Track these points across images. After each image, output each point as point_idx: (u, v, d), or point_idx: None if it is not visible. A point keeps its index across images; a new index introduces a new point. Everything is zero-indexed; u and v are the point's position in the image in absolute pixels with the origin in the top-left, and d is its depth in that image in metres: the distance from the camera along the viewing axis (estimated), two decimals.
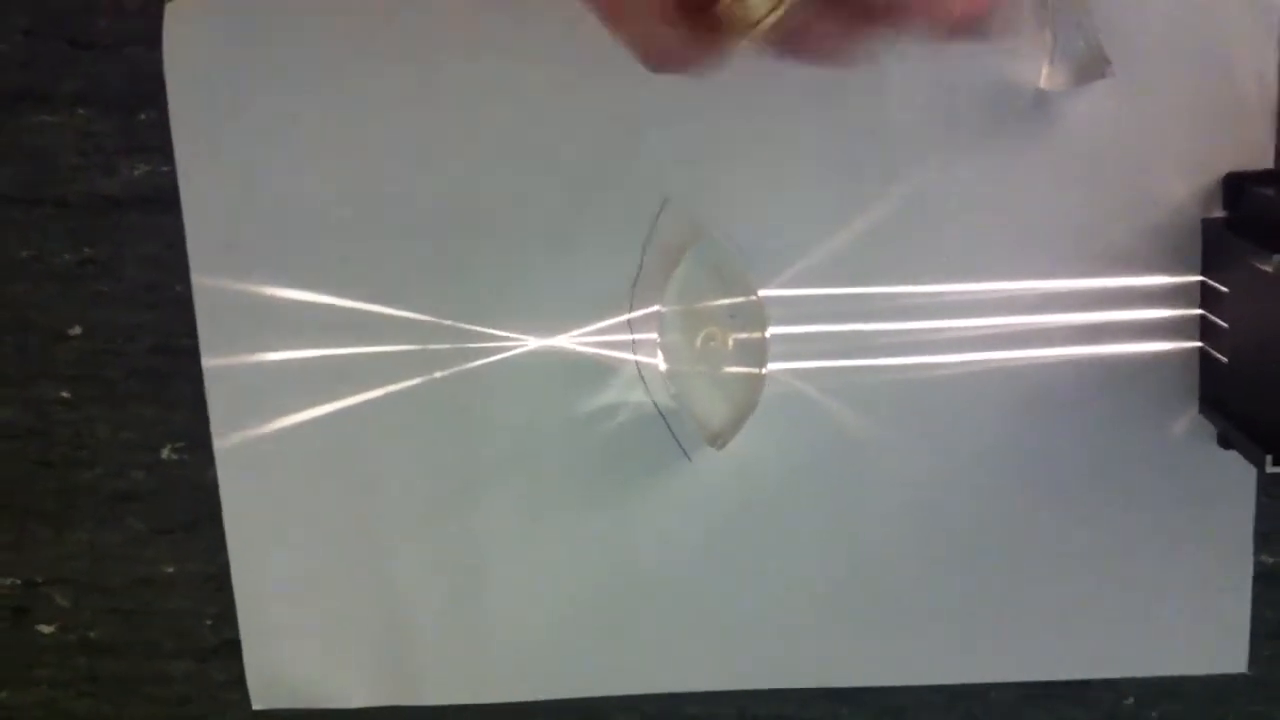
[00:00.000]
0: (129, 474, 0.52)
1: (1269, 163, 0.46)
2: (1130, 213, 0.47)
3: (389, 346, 0.49)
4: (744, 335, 0.48)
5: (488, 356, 0.49)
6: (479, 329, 0.49)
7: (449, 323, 0.49)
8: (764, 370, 0.48)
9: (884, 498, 0.50)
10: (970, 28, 0.34)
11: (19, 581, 0.53)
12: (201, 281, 0.49)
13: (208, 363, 0.50)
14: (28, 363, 0.51)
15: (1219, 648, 0.51)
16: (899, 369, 0.49)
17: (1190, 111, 0.46)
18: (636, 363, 0.49)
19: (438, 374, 0.50)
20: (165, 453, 0.51)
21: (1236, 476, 0.49)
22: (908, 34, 0.32)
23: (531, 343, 0.49)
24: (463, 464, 0.50)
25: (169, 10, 0.47)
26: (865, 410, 0.49)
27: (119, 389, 0.51)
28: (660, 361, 0.49)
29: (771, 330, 0.48)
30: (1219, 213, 0.46)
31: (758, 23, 0.30)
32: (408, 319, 0.49)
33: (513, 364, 0.49)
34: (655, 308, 0.48)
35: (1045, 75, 0.46)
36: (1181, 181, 0.46)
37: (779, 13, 0.29)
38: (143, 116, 0.48)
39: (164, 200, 0.49)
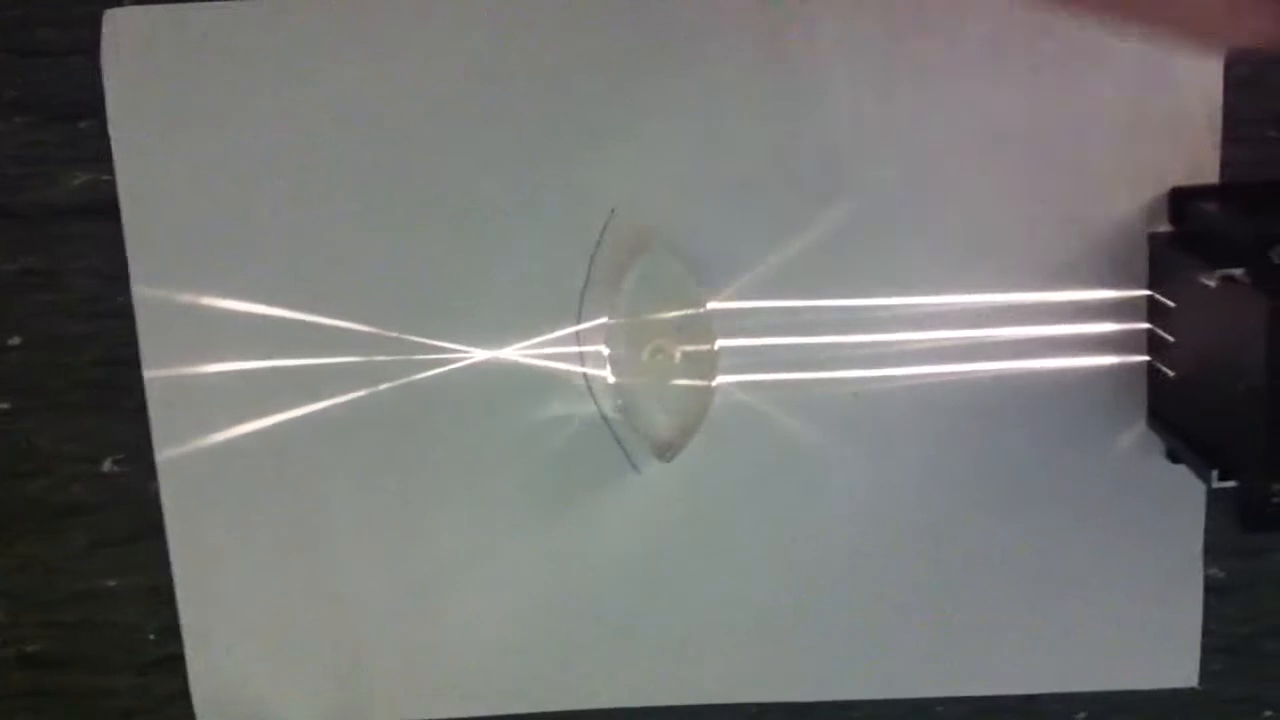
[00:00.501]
0: (71, 486, 0.51)
1: (1214, 178, 0.46)
2: (1078, 227, 0.47)
3: (333, 358, 0.49)
4: (692, 347, 0.48)
5: (434, 369, 0.49)
6: (424, 341, 0.49)
7: (394, 334, 0.49)
8: (712, 383, 0.48)
9: (832, 511, 0.50)
10: None
11: None
12: (142, 292, 0.49)
13: (149, 374, 0.49)
14: None
15: (1170, 662, 0.51)
16: (847, 382, 0.48)
17: (1136, 127, 0.46)
18: (584, 375, 0.49)
19: (383, 386, 0.49)
20: (107, 465, 0.51)
21: (1186, 490, 0.48)
22: None
23: (478, 355, 0.49)
24: (409, 476, 0.50)
25: (107, 18, 0.47)
26: (814, 423, 0.49)
27: (61, 400, 0.50)
28: (608, 373, 0.48)
29: (720, 342, 0.48)
30: (1165, 228, 0.46)
31: None
32: (352, 330, 0.49)
33: (459, 376, 0.49)
34: (603, 319, 0.48)
35: None
36: (1128, 196, 0.46)
37: None
38: (84, 125, 0.48)
39: (107, 210, 0.48)
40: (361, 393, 0.49)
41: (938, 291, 0.48)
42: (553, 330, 0.49)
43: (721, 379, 0.48)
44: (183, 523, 0.51)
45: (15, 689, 0.53)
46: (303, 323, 0.49)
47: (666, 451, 0.48)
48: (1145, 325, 0.47)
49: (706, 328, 0.48)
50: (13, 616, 0.52)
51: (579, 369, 0.49)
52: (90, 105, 0.48)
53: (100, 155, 0.48)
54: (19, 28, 0.47)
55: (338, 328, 0.49)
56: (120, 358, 0.49)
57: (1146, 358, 0.48)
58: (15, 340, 0.50)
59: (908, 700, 0.51)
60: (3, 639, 0.53)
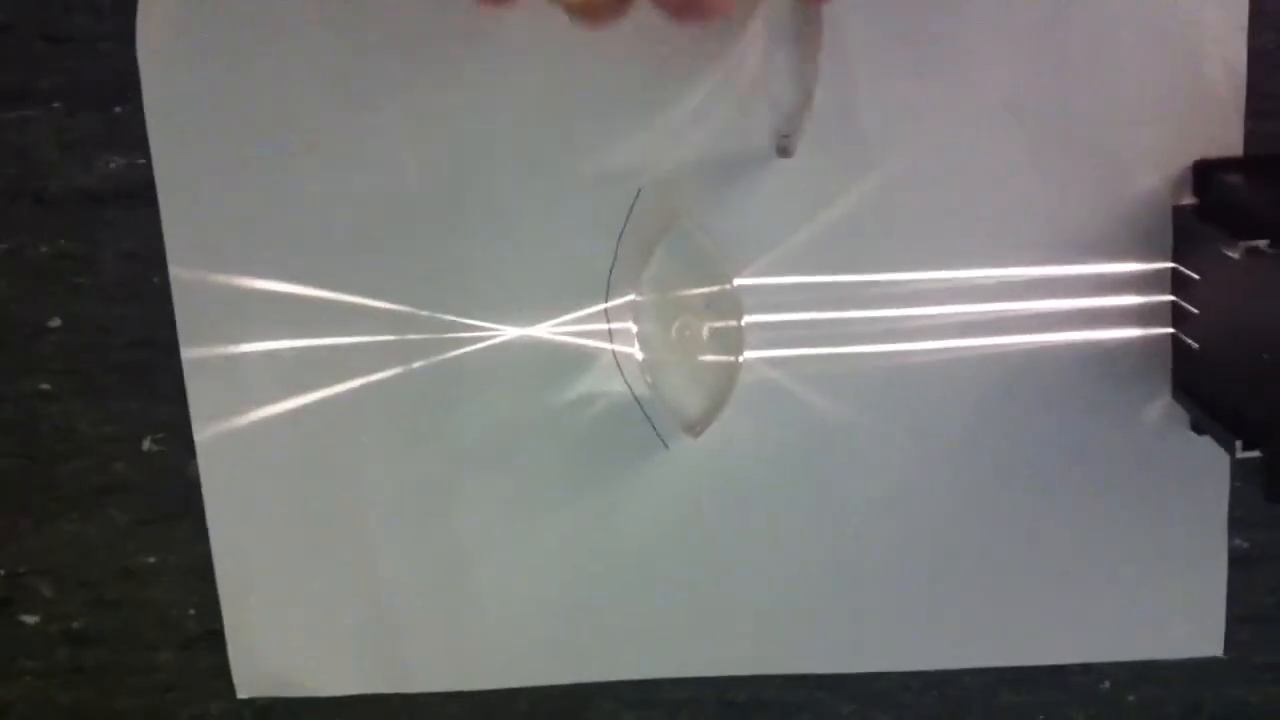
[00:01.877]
0: (111, 466, 0.52)
1: (1238, 150, 0.46)
2: (1102, 200, 0.47)
3: (367, 337, 0.50)
4: (719, 324, 0.49)
5: (465, 346, 0.50)
6: (456, 319, 0.49)
7: (426, 313, 0.49)
8: (740, 359, 0.48)
9: (860, 484, 0.50)
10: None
11: (2, 572, 0.53)
12: (179, 274, 0.49)
13: (187, 354, 0.50)
14: (8, 356, 0.51)
15: (1195, 631, 0.51)
16: (874, 356, 0.49)
17: (1160, 99, 0.46)
18: (613, 352, 0.49)
19: (416, 364, 0.50)
20: (146, 444, 0.52)
21: (1210, 461, 0.49)
22: None
23: (508, 332, 0.49)
24: (442, 453, 0.51)
25: (142, 3, 0.47)
26: (841, 397, 0.49)
27: (99, 382, 0.51)
28: (637, 350, 0.49)
29: (747, 318, 0.48)
30: (1189, 200, 0.47)
31: None
32: (385, 310, 0.49)
33: (490, 354, 0.50)
34: (631, 297, 0.49)
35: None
36: (1152, 169, 0.47)
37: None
38: (118, 110, 0.48)
39: (141, 194, 0.49)
40: (395, 371, 0.50)
41: (962, 266, 0.48)
42: (582, 308, 0.49)
43: (749, 354, 0.49)
44: (221, 500, 0.52)
45: (59, 665, 0.54)
46: (337, 303, 0.49)
47: (695, 427, 0.49)
48: (1169, 298, 0.48)
49: (734, 303, 0.48)
50: (56, 594, 0.53)
51: (608, 346, 0.49)
52: (124, 90, 0.48)
53: (135, 140, 0.48)
54: (52, 14, 0.48)
55: (372, 307, 0.49)
56: (158, 339, 0.50)
57: (1171, 330, 0.48)
58: (55, 322, 0.51)
59: (936, 671, 0.52)
60: (47, 616, 0.54)
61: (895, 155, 0.47)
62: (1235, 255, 0.41)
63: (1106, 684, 0.52)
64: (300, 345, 0.50)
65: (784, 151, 0.46)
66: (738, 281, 0.48)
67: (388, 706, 0.54)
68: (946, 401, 0.49)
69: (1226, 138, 0.46)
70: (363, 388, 0.50)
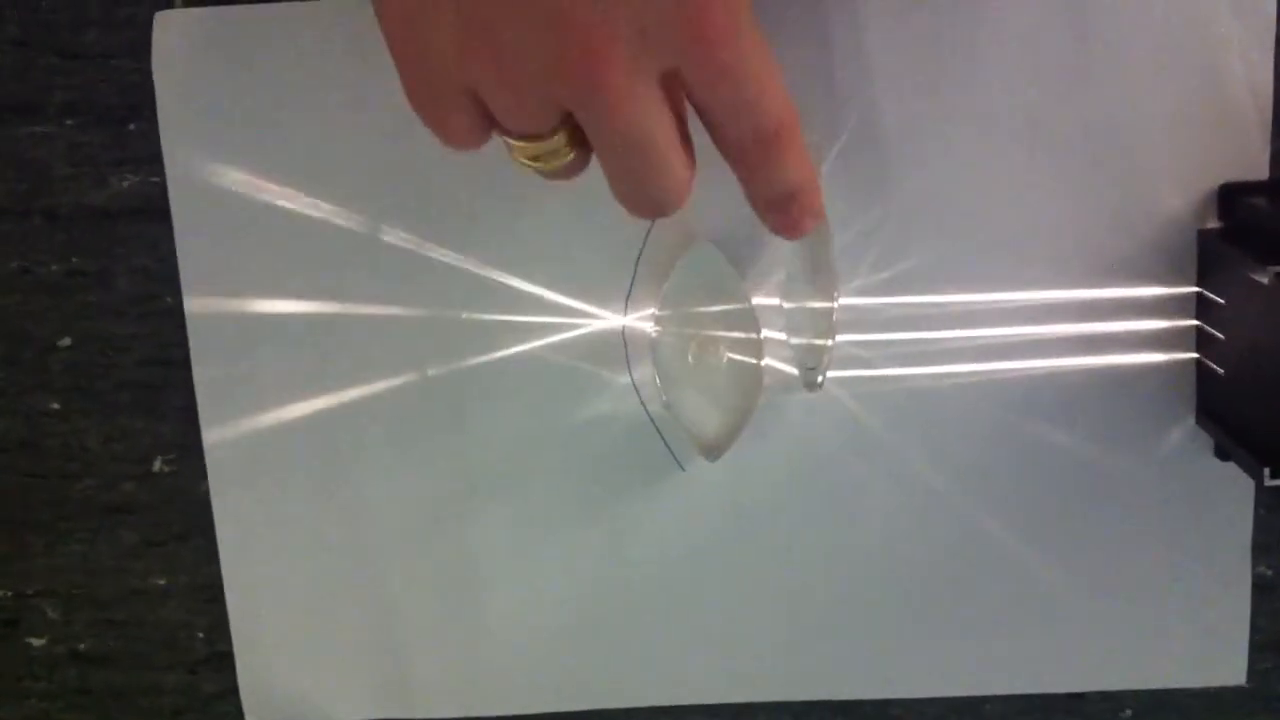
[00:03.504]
0: (120, 486, 0.51)
1: (1264, 174, 0.46)
2: (1126, 224, 0.47)
3: (380, 358, 0.49)
4: (737, 345, 0.48)
5: (480, 367, 0.49)
6: (470, 340, 0.49)
7: (441, 333, 0.49)
8: (759, 382, 0.48)
9: (879, 509, 0.49)
10: None
11: (9, 594, 0.53)
12: (192, 292, 0.49)
13: (199, 374, 0.50)
14: (19, 374, 0.51)
15: (1217, 660, 0.50)
16: (894, 379, 0.48)
17: (1185, 122, 0.46)
18: (630, 373, 0.49)
19: (430, 385, 0.49)
20: (157, 464, 0.51)
21: (1234, 488, 0.48)
22: None
23: (523, 352, 0.49)
24: (456, 476, 0.50)
25: (158, 20, 0.47)
26: (860, 421, 0.49)
27: (110, 400, 0.51)
28: (654, 372, 0.48)
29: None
30: (1214, 224, 0.46)
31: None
32: (399, 329, 0.49)
33: (505, 374, 0.49)
34: (650, 311, 0.48)
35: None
36: (1177, 193, 0.46)
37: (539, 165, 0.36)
38: (132, 127, 0.48)
39: (154, 211, 0.49)
40: (409, 391, 0.49)
41: (985, 289, 0.48)
42: (599, 328, 0.49)
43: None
44: (231, 521, 0.51)
45: (66, 686, 0.54)
46: (351, 323, 0.49)
47: (712, 451, 0.48)
48: (1194, 322, 0.47)
49: (752, 325, 0.48)
50: (64, 615, 0.53)
51: (625, 368, 0.49)
52: (138, 107, 0.48)
53: (148, 157, 0.48)
54: (66, 31, 0.48)
55: (385, 327, 0.49)
56: (169, 358, 0.50)
57: (1195, 355, 0.47)
58: (65, 341, 0.50)
59: (954, 698, 0.51)
60: (54, 637, 0.53)
61: (916, 178, 0.47)
62: (1263, 280, 0.40)
63: (1128, 712, 0.51)
64: (313, 366, 0.49)
65: (811, 385, 0.47)
66: (756, 302, 0.48)
67: None
68: (967, 426, 0.49)
69: (1253, 160, 0.46)
70: (375, 409, 0.50)
